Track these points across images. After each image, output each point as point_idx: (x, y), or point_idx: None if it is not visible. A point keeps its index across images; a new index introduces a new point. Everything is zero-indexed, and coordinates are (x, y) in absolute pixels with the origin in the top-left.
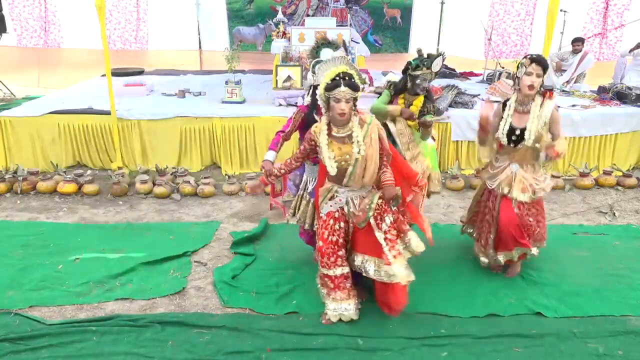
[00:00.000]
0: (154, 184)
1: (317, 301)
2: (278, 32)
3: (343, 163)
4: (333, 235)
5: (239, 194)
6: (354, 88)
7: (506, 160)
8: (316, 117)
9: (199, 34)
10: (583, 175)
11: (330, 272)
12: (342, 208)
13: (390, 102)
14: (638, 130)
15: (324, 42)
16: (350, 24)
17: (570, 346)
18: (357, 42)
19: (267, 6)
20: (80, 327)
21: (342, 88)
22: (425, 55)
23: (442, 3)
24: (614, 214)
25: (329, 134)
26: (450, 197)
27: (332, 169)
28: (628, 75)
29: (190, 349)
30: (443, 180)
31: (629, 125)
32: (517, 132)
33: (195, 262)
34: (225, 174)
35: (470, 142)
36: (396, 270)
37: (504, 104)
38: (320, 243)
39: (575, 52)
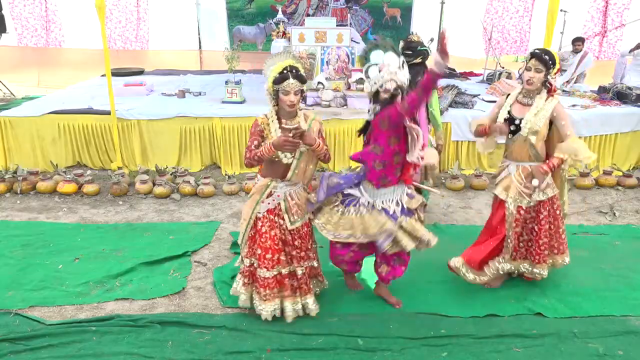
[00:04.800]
0: (154, 184)
1: (316, 301)
2: (278, 32)
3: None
4: (276, 231)
5: (239, 194)
6: (302, 80)
7: (506, 160)
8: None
9: (199, 34)
10: (583, 175)
11: (272, 273)
12: (278, 204)
13: None
14: (638, 130)
15: (372, 46)
16: (350, 24)
17: (570, 346)
18: (357, 42)
19: (267, 5)
20: (80, 327)
21: (291, 80)
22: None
23: (442, 3)
24: (614, 214)
25: (279, 125)
26: (451, 197)
27: (286, 158)
28: (628, 75)
29: (190, 349)
30: (443, 181)
31: (629, 125)
32: (517, 121)
33: (195, 262)
34: (225, 174)
35: (471, 142)
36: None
37: (509, 95)
38: (269, 242)
39: (575, 51)
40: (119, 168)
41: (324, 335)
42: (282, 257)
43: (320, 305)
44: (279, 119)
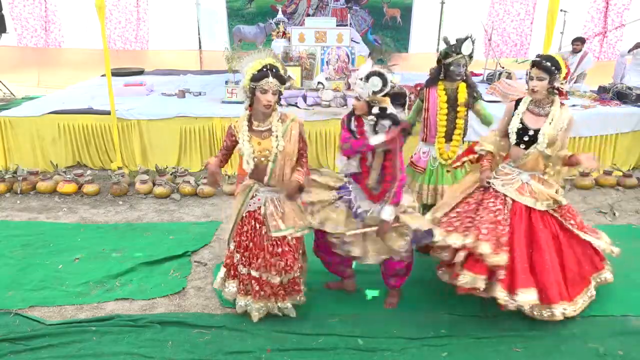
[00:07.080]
0: (154, 184)
1: (317, 301)
2: (278, 32)
3: (263, 159)
4: (255, 236)
5: None
6: (281, 80)
7: (514, 170)
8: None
9: (199, 34)
10: (583, 175)
11: (248, 271)
12: (259, 208)
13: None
14: (638, 130)
15: (369, 74)
16: (350, 24)
17: (570, 346)
18: (357, 42)
19: (267, 5)
20: (80, 327)
21: (270, 79)
22: (454, 41)
23: (442, 3)
24: (614, 214)
25: (250, 129)
26: None
27: (248, 165)
28: (628, 75)
29: (190, 349)
30: None
31: (629, 125)
32: (531, 132)
33: (195, 262)
34: (225, 174)
35: (470, 142)
36: None
37: (517, 101)
38: (251, 244)
39: (575, 51)
40: (119, 168)
41: (324, 335)
42: (256, 260)
43: (320, 305)
44: (250, 122)
